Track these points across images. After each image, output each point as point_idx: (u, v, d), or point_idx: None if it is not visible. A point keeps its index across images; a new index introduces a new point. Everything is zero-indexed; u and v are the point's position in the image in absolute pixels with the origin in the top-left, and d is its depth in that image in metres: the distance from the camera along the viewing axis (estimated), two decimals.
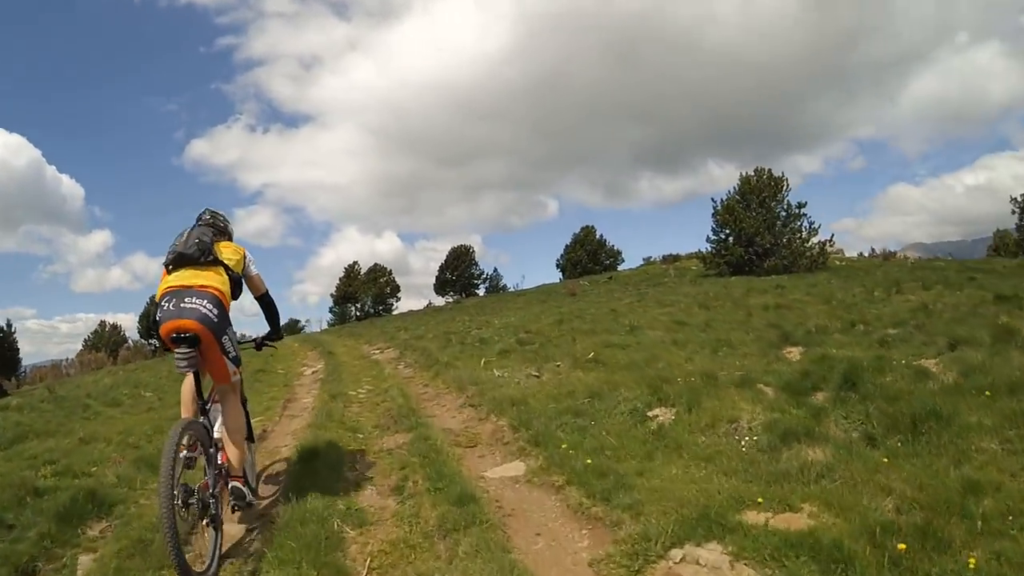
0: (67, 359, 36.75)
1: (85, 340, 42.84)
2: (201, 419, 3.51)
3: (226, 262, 3.59)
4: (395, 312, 45.27)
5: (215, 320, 3.33)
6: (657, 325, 11.46)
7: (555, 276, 47.32)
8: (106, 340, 41.93)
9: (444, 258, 49.86)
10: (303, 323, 47.40)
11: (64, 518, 4.18)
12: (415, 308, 45.38)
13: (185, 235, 3.55)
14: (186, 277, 3.39)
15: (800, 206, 27.16)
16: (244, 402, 4.11)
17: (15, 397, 15.51)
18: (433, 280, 49.56)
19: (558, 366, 8.86)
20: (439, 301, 48.87)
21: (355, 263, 48.30)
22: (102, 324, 44.01)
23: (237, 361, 3.65)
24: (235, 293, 3.68)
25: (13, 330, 33.48)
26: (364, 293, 44.88)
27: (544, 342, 11.27)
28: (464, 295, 48.23)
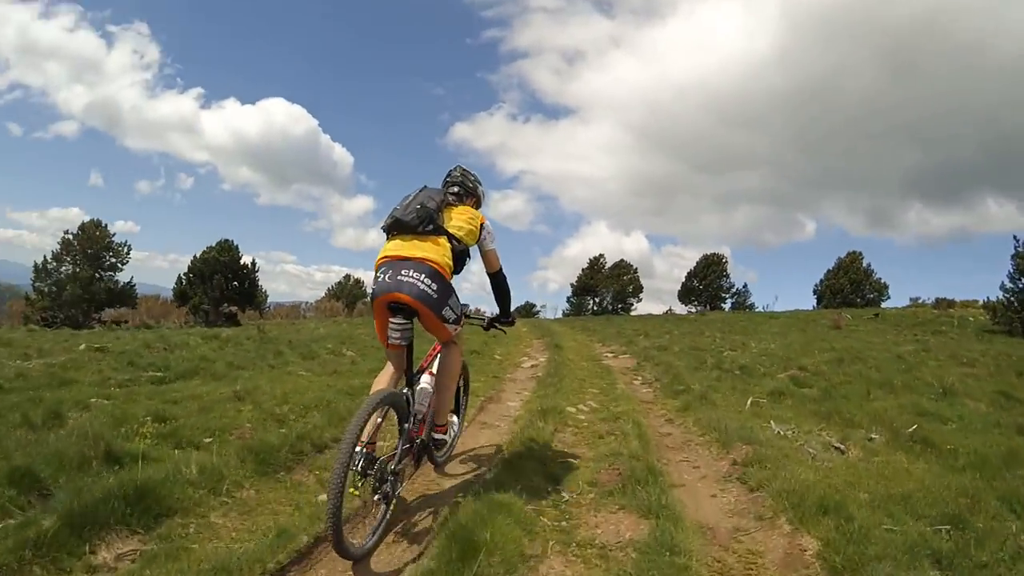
0: (306, 303, 41.09)
1: (328, 289, 47.42)
2: (405, 390, 3.18)
3: (454, 231, 3.22)
4: (633, 312, 42.76)
5: (434, 295, 3.05)
6: (974, 392, 8.28)
7: (808, 302, 40.71)
8: (347, 292, 46.13)
9: (693, 265, 45.71)
10: (538, 308, 47.43)
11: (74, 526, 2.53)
12: (654, 312, 42.40)
13: (410, 199, 3.21)
14: (404, 247, 3.08)
15: None
16: (464, 368, 3.97)
17: (243, 329, 16.45)
18: (677, 286, 45.91)
19: (870, 440, 5.58)
20: (680, 309, 45.04)
21: (600, 255, 46.72)
22: (346, 277, 48.44)
23: (458, 320, 3.30)
24: (458, 266, 3.26)
25: (257, 268, 38.06)
26: (605, 287, 43.02)
27: (828, 388, 8.17)
28: (709, 307, 43.54)
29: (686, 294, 44.77)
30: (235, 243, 38.21)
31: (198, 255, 38.03)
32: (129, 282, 39.39)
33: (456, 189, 3.52)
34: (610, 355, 12.80)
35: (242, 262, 38.09)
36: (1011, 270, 20.38)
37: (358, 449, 2.62)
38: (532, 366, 10.37)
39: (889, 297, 39.53)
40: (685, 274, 45.86)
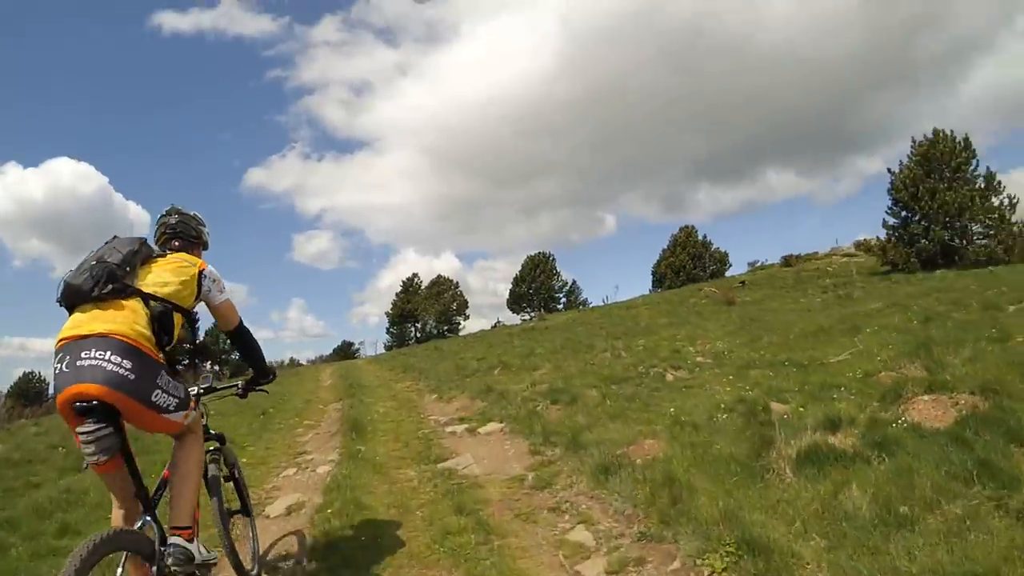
0: None
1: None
2: (145, 519, 2.27)
3: (154, 289, 2.36)
4: (463, 332, 37.58)
5: (131, 377, 2.13)
6: None
7: (643, 287, 39.35)
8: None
9: (518, 269, 41.93)
10: (357, 346, 40.76)
11: None
12: (485, 328, 37.66)
13: (89, 256, 2.39)
14: (81, 323, 2.19)
15: (991, 177, 20.37)
16: (232, 466, 3.18)
17: None
18: (496, 299, 41.96)
19: None
20: (512, 319, 40.91)
21: (415, 275, 40.93)
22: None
23: (185, 403, 2.38)
24: (168, 333, 2.34)
25: None
26: (425, 311, 37.15)
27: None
28: (543, 310, 40.00)
29: (516, 301, 40.76)
30: None
31: None
32: None
33: (176, 243, 2.71)
34: (456, 418, 6.95)
35: None
36: (890, 205, 18.72)
37: None
38: (288, 511, 4.25)
39: (731, 265, 38.56)
40: (512, 280, 41.94)
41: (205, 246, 2.89)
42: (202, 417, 2.76)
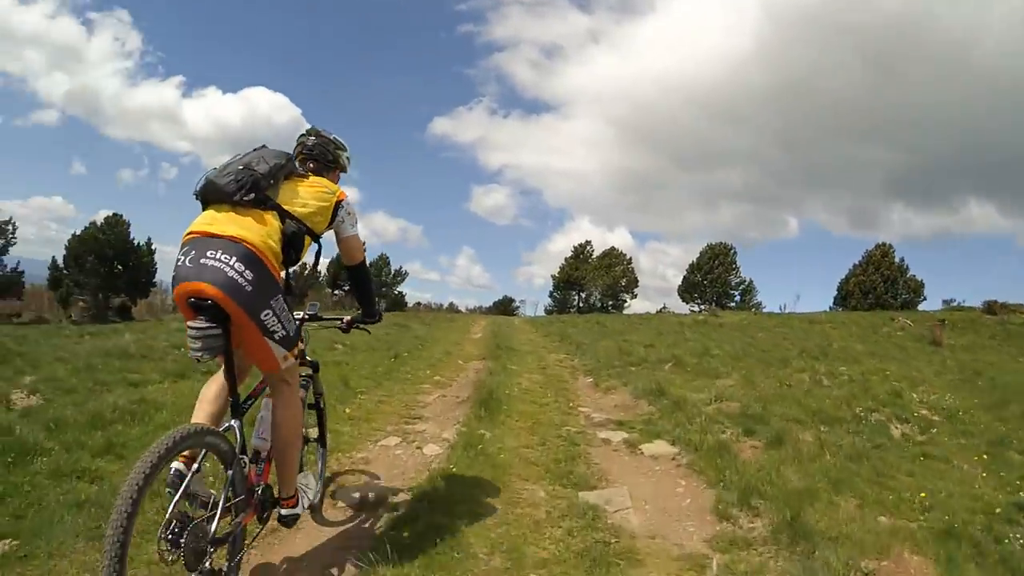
0: None
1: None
2: (231, 423, 2.28)
3: (294, 207, 2.32)
4: (627, 311, 35.49)
5: (247, 288, 2.10)
6: None
7: (823, 302, 34.42)
8: (303, 283, 39.75)
9: (696, 257, 38.42)
10: (517, 303, 40.53)
11: None
12: (650, 311, 35.20)
13: (236, 158, 2.31)
14: (216, 221, 2.17)
15: None
16: (318, 396, 3.15)
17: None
18: (663, 283, 38.74)
19: None
20: (680, 307, 37.80)
21: (587, 243, 39.25)
22: (302, 266, 41.76)
23: (290, 342, 2.29)
24: (293, 255, 2.30)
25: (153, 250, 31.38)
26: (593, 281, 35.52)
27: None
28: (715, 304, 36.38)
29: (688, 290, 37.55)
30: (126, 219, 30.24)
31: (77, 232, 30.00)
32: (16, 268, 31.59)
33: (311, 164, 2.63)
34: (619, 433, 5.25)
35: (134, 242, 30.13)
36: None
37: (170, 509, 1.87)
38: (358, 505, 2.99)
39: (925, 298, 33.30)
40: (686, 267, 38.67)
41: (343, 170, 2.80)
42: (302, 343, 2.61)
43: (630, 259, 36.48)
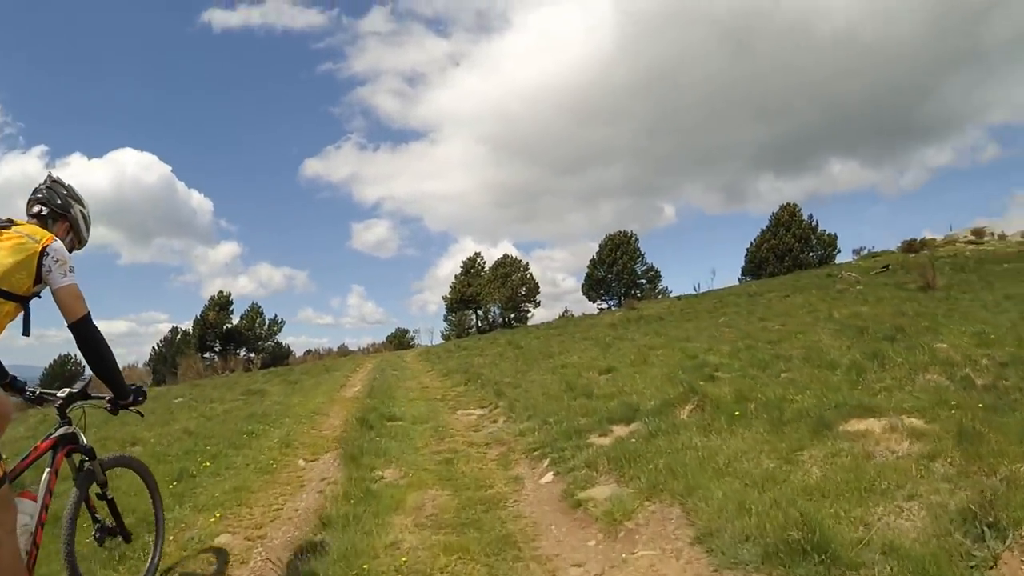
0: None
1: (153, 348, 34.23)
2: None
3: None
4: (532, 322, 32.36)
5: None
6: None
7: (725, 279, 33.58)
8: (174, 349, 33.15)
9: (595, 253, 36.05)
10: (412, 333, 36.24)
11: None
12: (548, 319, 32.32)
13: None
14: None
15: None
16: (103, 486, 2.73)
17: None
18: (555, 289, 36.17)
19: None
20: (588, 307, 35.23)
21: (477, 255, 35.68)
22: (173, 330, 34.96)
23: None
24: None
25: None
26: (489, 295, 31.97)
27: None
28: (623, 298, 34.19)
29: (593, 287, 34.98)
30: None
31: None
32: None
33: (37, 209, 2.44)
34: None
35: None
36: None
37: None
38: None
39: (839, 251, 32.91)
40: (588, 263, 36.13)
41: (76, 231, 2.52)
42: (71, 425, 2.51)
43: (526, 264, 33.39)
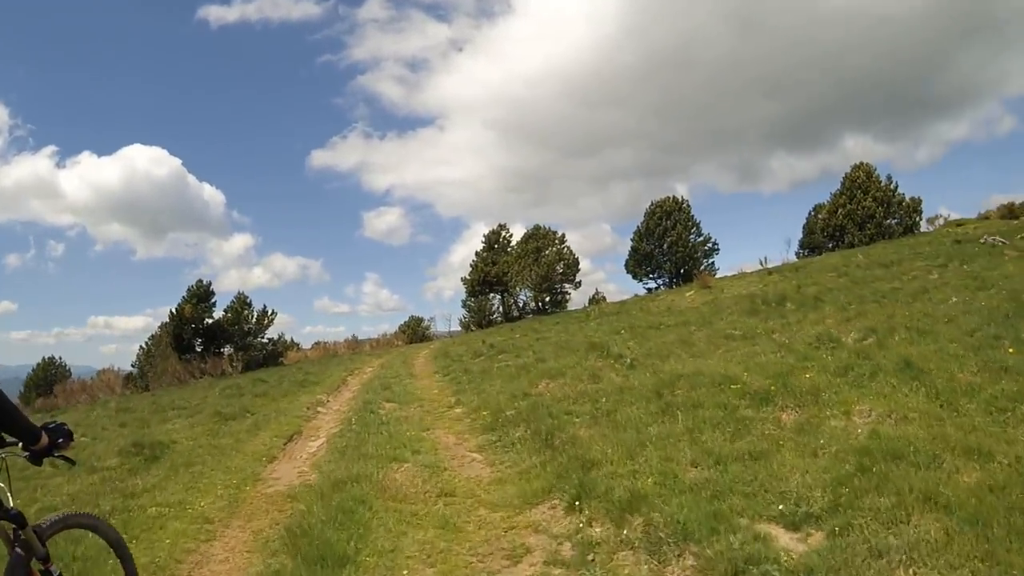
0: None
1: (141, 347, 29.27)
2: None
3: None
4: (570, 307, 26.70)
5: None
6: None
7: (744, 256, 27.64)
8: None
9: (639, 223, 30.12)
10: (427, 321, 30.97)
11: None
12: (583, 306, 26.67)
13: None
14: None
15: None
16: (46, 560, 2.15)
17: None
18: (579, 271, 30.39)
19: None
20: (635, 288, 29.43)
21: (502, 226, 29.91)
22: (163, 326, 29.92)
23: None
24: None
25: None
26: (519, 274, 26.26)
27: None
28: (677, 276, 28.37)
29: (640, 264, 29.14)
30: None
31: None
32: None
33: None
34: None
35: None
36: None
37: None
38: None
39: (922, 216, 26.84)
40: (632, 236, 30.20)
41: None
42: None
43: (562, 236, 27.50)
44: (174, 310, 24.90)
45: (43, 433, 2.00)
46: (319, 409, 8.40)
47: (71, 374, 29.81)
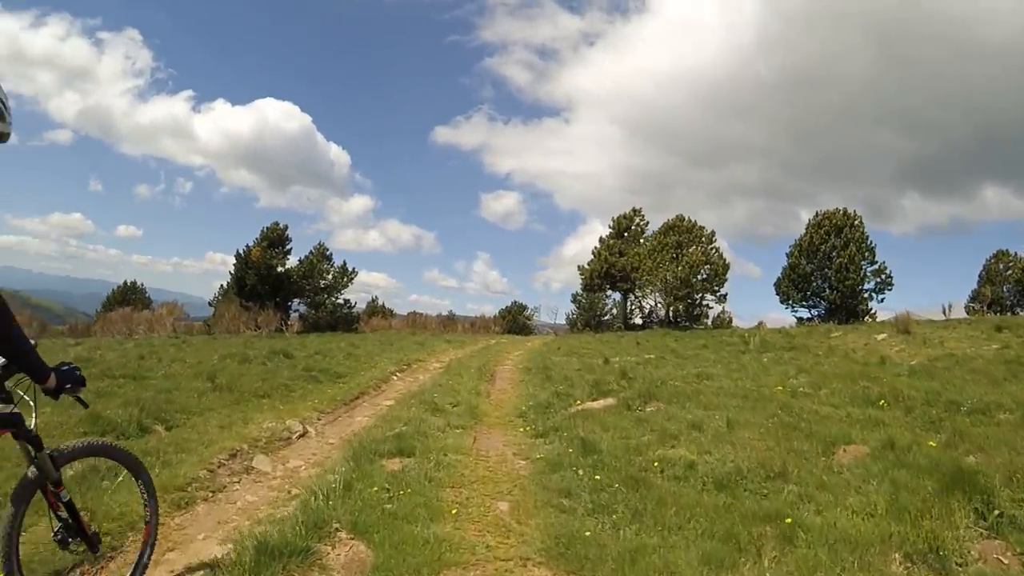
0: None
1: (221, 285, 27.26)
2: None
3: None
4: (718, 325, 20.70)
5: None
6: None
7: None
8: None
9: (800, 236, 23.36)
10: (531, 310, 27.17)
11: None
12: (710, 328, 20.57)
13: None
14: None
15: None
16: (57, 484, 2.23)
17: None
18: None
19: None
20: (782, 317, 22.82)
21: (635, 211, 24.37)
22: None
23: None
24: None
25: None
26: (651, 272, 20.70)
27: None
28: (838, 313, 21.54)
29: (796, 286, 22.54)
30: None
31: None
32: None
33: None
34: None
35: None
36: None
37: None
38: None
39: None
40: (789, 251, 23.60)
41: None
42: (9, 404, 2.01)
43: (712, 234, 21.54)
44: (241, 251, 22.02)
45: (52, 374, 1.98)
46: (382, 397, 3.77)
47: (151, 301, 28.37)
